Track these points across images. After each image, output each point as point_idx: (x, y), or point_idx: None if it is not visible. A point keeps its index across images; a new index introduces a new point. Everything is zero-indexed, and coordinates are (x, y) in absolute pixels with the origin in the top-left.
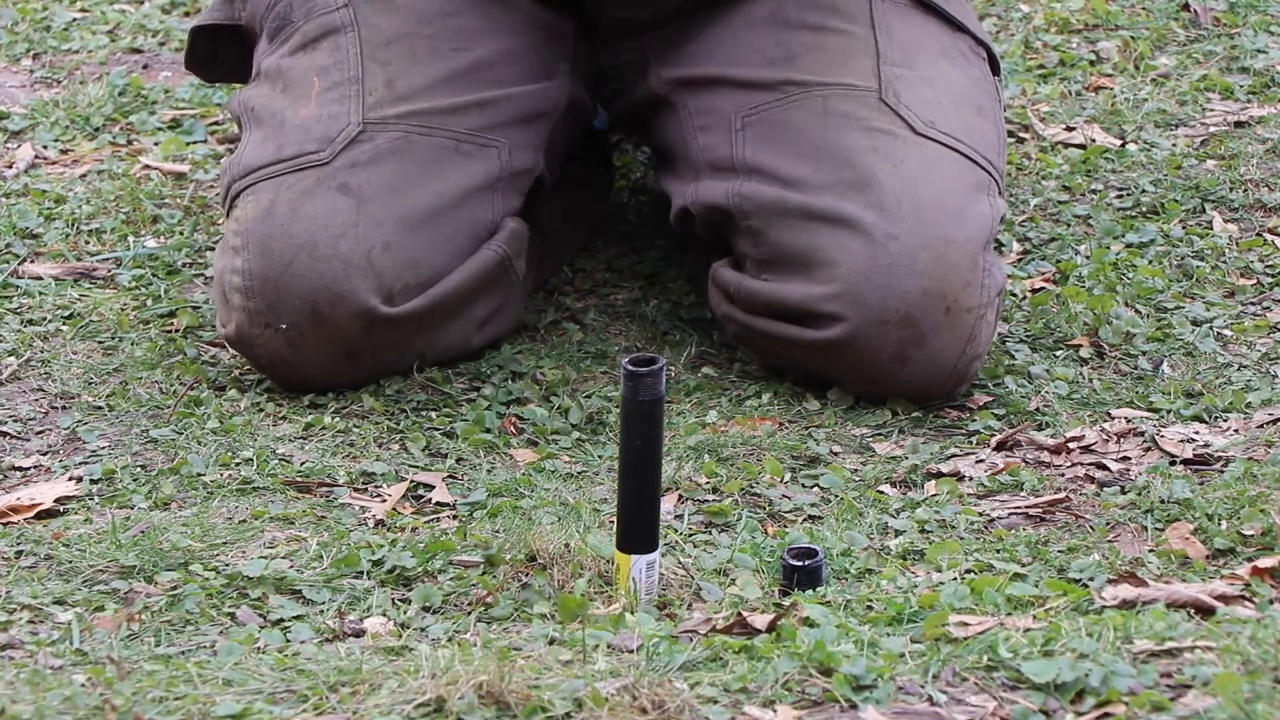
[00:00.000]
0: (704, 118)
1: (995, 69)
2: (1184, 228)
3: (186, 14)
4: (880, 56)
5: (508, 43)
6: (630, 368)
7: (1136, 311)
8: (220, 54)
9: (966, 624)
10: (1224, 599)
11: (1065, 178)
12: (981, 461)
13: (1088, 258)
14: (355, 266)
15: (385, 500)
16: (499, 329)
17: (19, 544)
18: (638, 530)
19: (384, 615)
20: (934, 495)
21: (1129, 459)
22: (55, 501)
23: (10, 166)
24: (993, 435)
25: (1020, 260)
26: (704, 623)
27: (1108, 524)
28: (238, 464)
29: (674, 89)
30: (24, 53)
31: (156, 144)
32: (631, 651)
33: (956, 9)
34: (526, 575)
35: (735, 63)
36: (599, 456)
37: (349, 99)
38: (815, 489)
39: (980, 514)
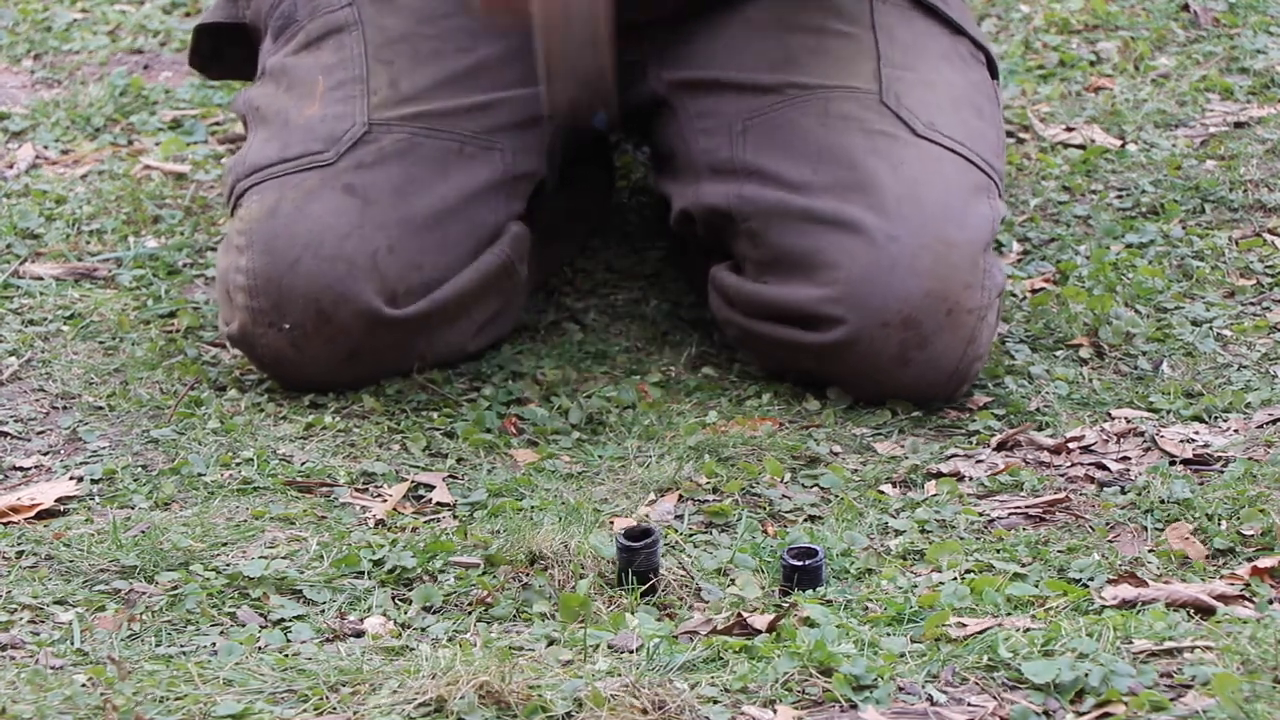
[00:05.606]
0: (705, 120)
1: (994, 72)
2: (1184, 228)
3: (187, 14)
4: (881, 58)
5: (508, 44)
6: (624, 541)
7: (1136, 311)
8: (223, 52)
9: (966, 624)
10: (1224, 599)
11: (1065, 178)
12: (981, 461)
13: (1088, 258)
14: (360, 268)
15: (385, 500)
16: (499, 332)
17: (20, 544)
18: None
19: (384, 615)
20: (934, 495)
21: (1129, 459)
22: (56, 501)
23: (11, 167)
24: (993, 435)
25: (1020, 260)
26: (704, 623)
27: (1108, 524)
28: (238, 464)
29: (674, 91)
30: (25, 53)
31: (157, 144)
32: (631, 651)
33: (956, 12)
34: (527, 575)
35: (736, 66)
36: (599, 456)
37: (354, 99)
38: (815, 489)
39: (980, 514)
